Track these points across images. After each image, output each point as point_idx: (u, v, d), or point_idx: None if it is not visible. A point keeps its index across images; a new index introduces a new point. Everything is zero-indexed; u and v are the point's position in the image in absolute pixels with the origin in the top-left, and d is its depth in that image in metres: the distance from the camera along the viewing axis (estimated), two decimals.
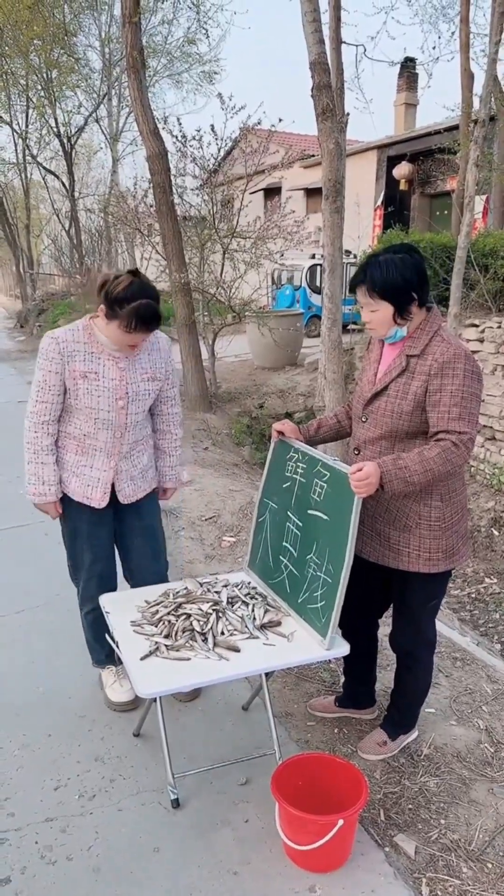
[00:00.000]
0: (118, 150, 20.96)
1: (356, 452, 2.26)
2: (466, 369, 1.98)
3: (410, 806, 2.24)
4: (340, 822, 1.87)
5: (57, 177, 20.26)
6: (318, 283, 14.03)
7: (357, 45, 7.00)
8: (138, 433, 2.51)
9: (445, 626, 3.52)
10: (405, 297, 2.01)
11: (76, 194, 19.97)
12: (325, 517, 2.20)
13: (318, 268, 13.88)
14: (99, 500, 2.49)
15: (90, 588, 2.61)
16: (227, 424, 7.99)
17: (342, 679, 2.91)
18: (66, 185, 19.37)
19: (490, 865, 2.03)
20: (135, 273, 2.25)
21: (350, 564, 2.05)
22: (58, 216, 21.51)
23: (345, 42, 5.34)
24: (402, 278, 2.00)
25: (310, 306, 13.64)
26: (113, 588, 2.64)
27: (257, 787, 2.29)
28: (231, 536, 4.51)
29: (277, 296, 14.21)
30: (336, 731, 2.61)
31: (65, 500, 2.51)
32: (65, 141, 18.92)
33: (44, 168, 20.51)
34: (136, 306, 2.18)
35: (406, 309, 2.03)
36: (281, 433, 2.48)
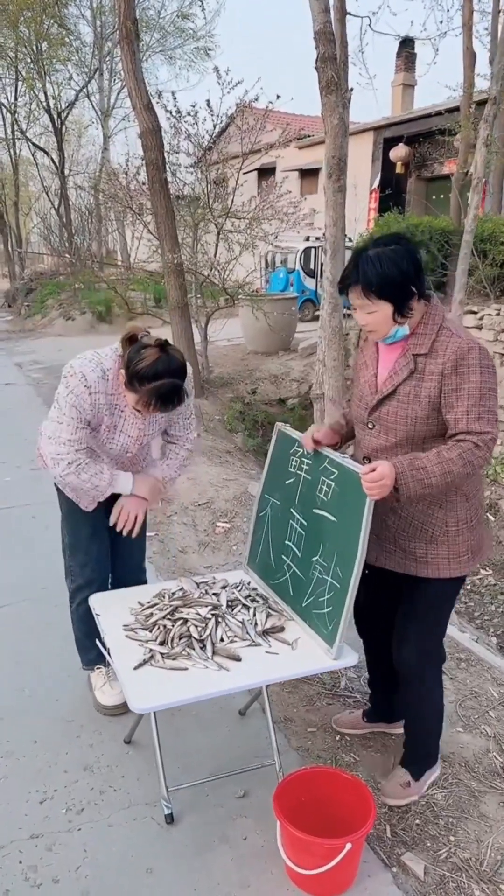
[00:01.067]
0: (109, 127, 20.55)
1: (366, 462, 2.03)
2: (482, 365, 1.82)
3: (418, 821, 2.13)
4: (348, 845, 1.75)
5: (47, 153, 19.85)
6: (312, 267, 13.83)
7: (362, 17, 6.75)
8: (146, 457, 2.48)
9: (449, 626, 3.41)
10: (404, 292, 1.82)
11: (66, 171, 19.55)
12: (332, 518, 2.06)
13: (313, 250, 13.67)
14: (88, 502, 2.39)
15: (86, 572, 2.48)
16: (219, 410, 7.83)
17: (343, 681, 2.79)
18: (56, 161, 18.97)
19: (503, 888, 1.92)
20: (163, 347, 2.06)
21: (360, 570, 1.91)
22: (47, 194, 21.08)
23: (350, 13, 5.12)
24: (398, 272, 1.80)
25: (303, 290, 13.43)
26: (106, 576, 2.52)
27: (256, 800, 2.17)
28: (225, 522, 4.37)
29: (271, 279, 13.98)
30: (338, 738, 2.48)
31: None
32: (55, 116, 18.49)
33: (33, 144, 20.07)
34: (158, 386, 2.01)
35: (406, 305, 1.84)
36: (318, 442, 2.17)
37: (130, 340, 2.10)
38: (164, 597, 2.24)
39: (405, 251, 1.83)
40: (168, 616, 2.11)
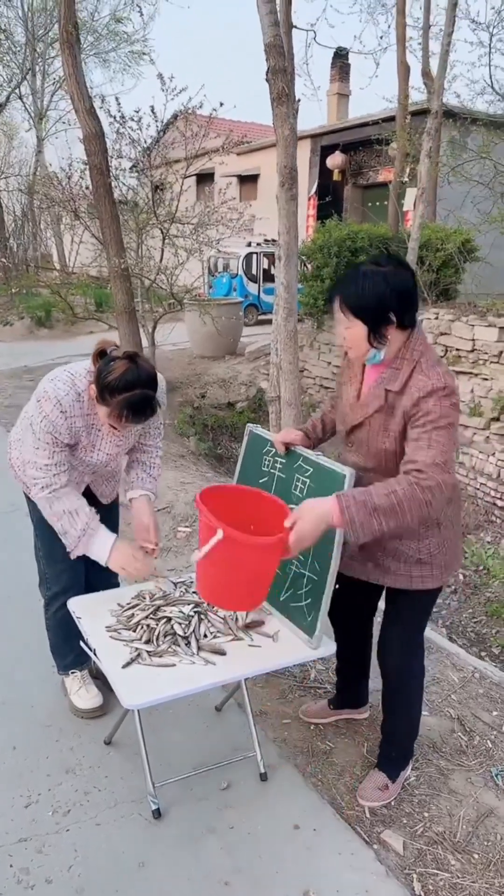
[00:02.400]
0: (43, 129, 20.19)
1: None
2: (443, 402, 1.79)
3: (394, 800, 2.24)
4: (220, 532, 1.71)
5: None
6: (254, 272, 13.99)
7: (307, 30, 6.92)
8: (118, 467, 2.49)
9: None
10: (380, 317, 1.81)
11: None
12: None
13: (255, 256, 13.84)
14: None
15: (64, 579, 2.48)
16: (169, 415, 7.84)
17: (313, 674, 2.89)
18: None
19: (476, 856, 2.05)
20: (132, 358, 2.04)
21: (338, 562, 2.00)
22: None
23: (296, 26, 5.27)
24: (376, 295, 1.79)
25: (246, 294, 13.57)
26: (82, 581, 2.53)
27: (240, 791, 2.23)
28: (186, 527, 4.41)
29: (214, 284, 14.07)
30: (312, 728, 2.57)
31: None
32: None
33: None
34: (128, 397, 1.99)
35: (380, 331, 1.83)
36: (288, 445, 2.26)
37: (100, 355, 2.09)
38: (143, 598, 2.28)
39: (397, 277, 1.81)
40: (151, 615, 2.15)
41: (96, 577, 2.59)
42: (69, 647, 2.52)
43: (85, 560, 2.56)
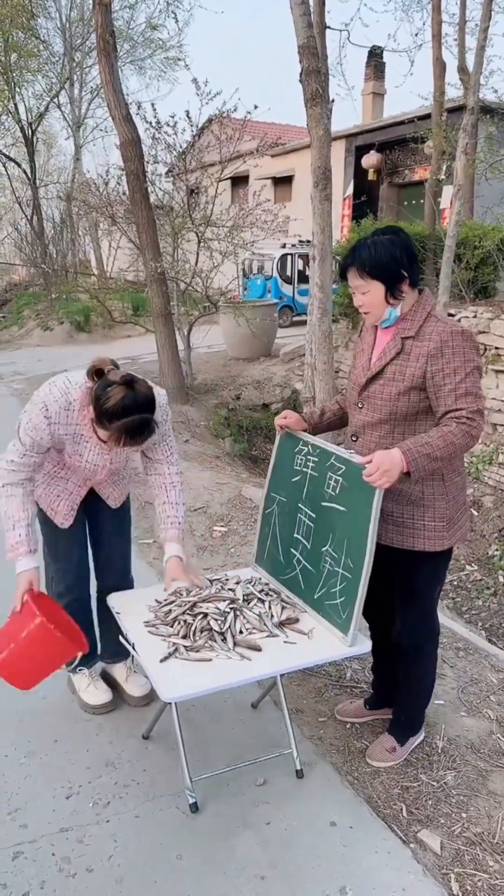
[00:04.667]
0: (81, 137, 20.54)
1: (354, 439, 2.23)
2: (465, 346, 1.98)
3: (431, 801, 2.23)
4: (39, 619, 2.05)
5: (18, 164, 19.76)
6: (288, 273, 13.99)
7: (341, 30, 6.91)
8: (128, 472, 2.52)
9: (445, 617, 3.53)
10: (395, 274, 2.00)
11: (38, 182, 19.49)
12: (341, 508, 2.15)
13: (289, 257, 13.84)
14: (63, 517, 2.42)
15: (67, 579, 2.51)
16: (204, 416, 7.90)
17: (349, 673, 2.88)
18: (28, 172, 18.90)
19: None
20: (129, 383, 2.04)
21: (371, 558, 2.01)
22: (20, 204, 20.98)
23: (329, 27, 5.27)
24: (390, 256, 1.99)
25: (281, 296, 13.58)
26: (86, 584, 2.58)
27: (276, 787, 2.25)
28: (222, 526, 4.44)
29: (249, 286, 14.11)
30: (348, 726, 2.57)
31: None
32: (25, 126, 18.44)
33: (4, 155, 19.98)
34: (126, 423, 2.01)
35: (397, 287, 2.02)
36: (285, 427, 2.43)
37: (97, 374, 2.11)
38: (180, 594, 2.31)
39: (399, 240, 2.02)
40: (188, 611, 2.18)
41: (108, 578, 2.61)
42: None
43: (95, 563, 2.62)
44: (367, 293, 2.04)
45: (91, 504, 2.49)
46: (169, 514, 2.40)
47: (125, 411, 2.01)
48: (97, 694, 2.64)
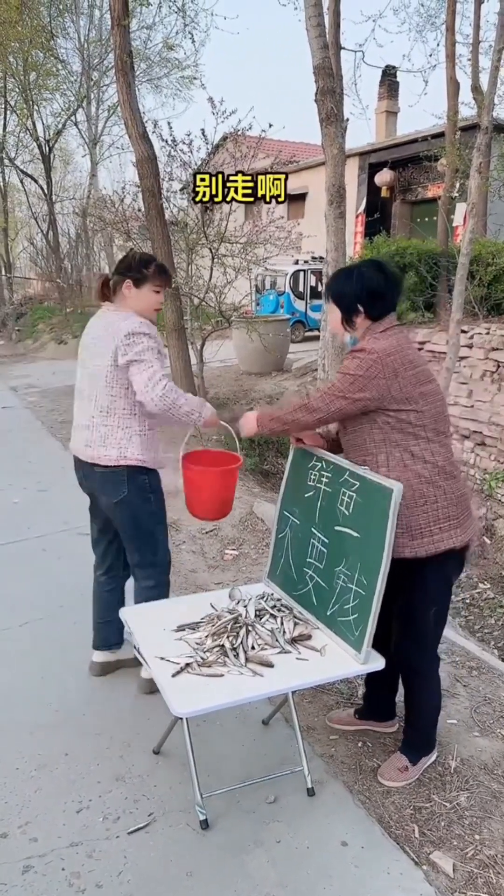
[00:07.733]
0: (97, 154, 20.82)
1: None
2: (356, 361, 2.09)
3: (443, 822, 2.20)
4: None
5: (35, 180, 20.04)
6: (301, 289, 14.06)
7: (356, 51, 7.01)
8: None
9: (458, 635, 3.50)
10: (350, 306, 2.18)
11: (54, 198, 19.75)
12: (354, 534, 2.15)
13: (302, 273, 13.92)
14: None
15: (96, 553, 2.93)
16: (216, 431, 7.91)
17: (361, 690, 2.87)
18: (44, 188, 19.16)
19: None
20: (124, 258, 2.59)
21: (385, 577, 2.00)
22: (36, 220, 21.26)
23: (344, 48, 5.34)
24: (349, 287, 2.18)
25: (293, 312, 13.64)
26: (108, 561, 2.89)
27: (287, 805, 2.23)
28: (233, 549, 4.44)
29: (261, 301, 14.20)
30: (360, 744, 2.56)
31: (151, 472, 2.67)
32: (43, 144, 18.72)
33: (21, 171, 20.28)
34: (160, 263, 2.56)
35: (350, 317, 2.20)
36: (300, 441, 2.46)
37: (104, 283, 2.60)
38: (213, 622, 2.26)
39: (367, 275, 2.18)
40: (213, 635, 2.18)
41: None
42: (94, 624, 2.91)
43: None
44: (332, 314, 2.28)
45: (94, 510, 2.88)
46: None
47: (151, 257, 2.58)
48: (98, 655, 2.94)
